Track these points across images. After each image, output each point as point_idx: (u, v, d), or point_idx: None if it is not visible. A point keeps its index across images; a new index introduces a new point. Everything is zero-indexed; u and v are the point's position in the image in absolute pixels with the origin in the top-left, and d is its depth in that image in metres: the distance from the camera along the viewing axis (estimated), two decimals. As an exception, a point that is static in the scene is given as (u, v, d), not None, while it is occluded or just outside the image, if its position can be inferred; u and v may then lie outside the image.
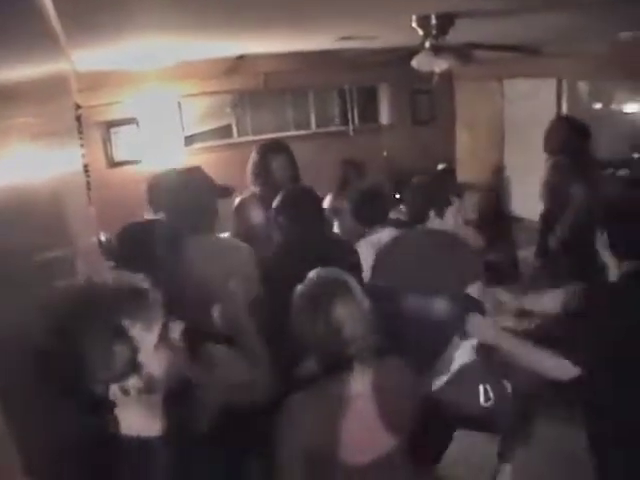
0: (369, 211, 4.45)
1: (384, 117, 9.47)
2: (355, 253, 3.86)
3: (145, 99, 7.08)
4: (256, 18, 3.78)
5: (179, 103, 7.54)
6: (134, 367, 1.60)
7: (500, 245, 6.50)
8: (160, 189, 3.69)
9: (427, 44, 4.37)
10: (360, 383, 2.32)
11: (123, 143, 7.06)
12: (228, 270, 3.09)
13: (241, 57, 6.63)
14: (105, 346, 1.56)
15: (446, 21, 4.14)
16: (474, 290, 3.22)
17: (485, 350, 3.21)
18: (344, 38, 5.14)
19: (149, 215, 3.95)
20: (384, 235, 4.19)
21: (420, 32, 4.23)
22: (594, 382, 2.70)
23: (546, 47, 6.88)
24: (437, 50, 4.45)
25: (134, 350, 1.59)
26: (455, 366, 3.25)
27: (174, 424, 1.77)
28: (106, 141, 6.98)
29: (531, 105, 8.24)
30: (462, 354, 3.24)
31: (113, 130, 7.01)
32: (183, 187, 3.58)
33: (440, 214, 3.86)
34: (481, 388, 3.19)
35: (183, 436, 1.77)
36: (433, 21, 4.12)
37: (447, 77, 8.80)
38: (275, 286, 2.82)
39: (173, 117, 7.49)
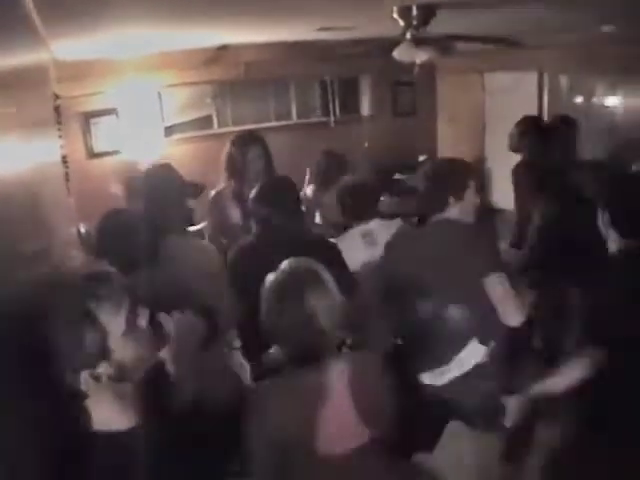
0: (356, 206, 4.35)
1: (365, 108, 9.46)
2: (333, 249, 3.83)
3: (125, 89, 7.02)
4: (236, 8, 3.75)
5: (159, 93, 7.50)
6: (104, 352, 1.60)
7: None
8: (133, 188, 3.66)
9: (408, 35, 4.36)
10: (331, 376, 2.30)
11: (103, 134, 7.00)
12: (196, 272, 3.09)
13: (222, 47, 6.59)
14: (74, 330, 1.56)
15: (427, 12, 4.13)
16: (495, 280, 3.23)
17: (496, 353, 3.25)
18: (323, 29, 5.12)
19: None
20: (371, 226, 4.21)
21: (401, 23, 4.21)
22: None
23: (527, 40, 6.88)
24: (418, 41, 4.44)
25: (103, 335, 1.59)
26: (465, 365, 3.29)
27: (147, 414, 1.76)
28: (85, 132, 6.93)
29: (512, 98, 8.26)
30: (473, 354, 3.27)
31: (93, 121, 6.95)
32: (151, 187, 3.54)
33: (460, 198, 3.57)
34: (487, 388, 3.23)
35: (156, 427, 1.76)
36: (414, 12, 4.10)
37: (429, 69, 8.82)
38: (249, 275, 2.79)
39: (153, 108, 7.44)
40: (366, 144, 8.76)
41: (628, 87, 7.10)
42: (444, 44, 5.02)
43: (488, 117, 8.92)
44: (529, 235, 4.76)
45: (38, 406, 1.60)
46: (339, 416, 2.27)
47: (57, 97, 4.80)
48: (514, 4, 4.02)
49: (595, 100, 7.55)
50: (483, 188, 8.80)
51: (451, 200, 3.52)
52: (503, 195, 8.19)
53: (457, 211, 3.53)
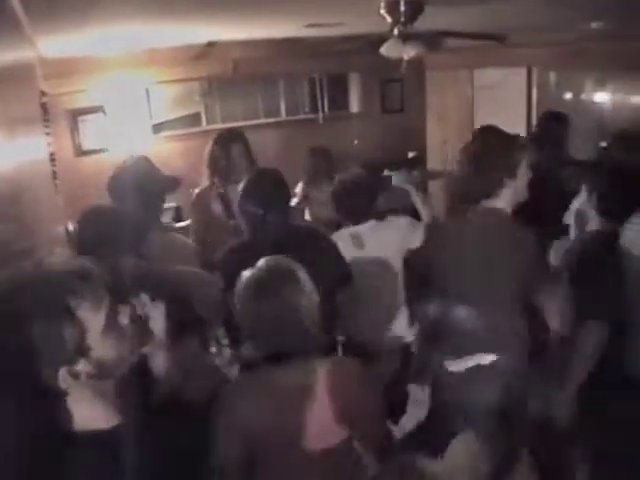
0: (352, 204, 4.21)
1: (354, 105, 9.47)
2: (326, 239, 3.79)
3: (113, 86, 6.99)
4: (224, 4, 3.74)
5: (147, 90, 7.47)
6: (82, 349, 1.59)
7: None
8: (112, 182, 3.62)
9: (396, 31, 4.35)
10: (305, 376, 2.29)
11: (91, 131, 6.96)
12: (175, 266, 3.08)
13: (211, 44, 6.57)
14: (53, 327, 1.55)
15: (415, 8, 4.11)
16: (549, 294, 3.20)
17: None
18: (312, 25, 5.11)
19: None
20: (362, 228, 4.13)
21: (388, 19, 4.20)
22: None
23: (516, 36, 6.89)
24: (406, 37, 4.43)
25: (82, 331, 1.58)
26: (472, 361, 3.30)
27: (129, 412, 1.75)
28: (73, 129, 6.89)
29: (501, 94, 8.28)
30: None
31: (80, 118, 6.91)
32: (129, 179, 3.52)
33: (514, 176, 3.21)
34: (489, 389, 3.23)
35: (139, 425, 1.75)
36: (402, 8, 4.08)
37: (417, 66, 8.83)
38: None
39: (141, 105, 7.41)
40: (355, 141, 8.76)
41: (617, 83, 7.13)
42: (432, 40, 5.02)
43: (477, 113, 8.93)
44: None
45: (17, 405, 1.59)
46: (316, 415, 2.25)
47: (44, 94, 4.78)
48: (502, 0, 4.02)
49: (584, 96, 7.57)
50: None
51: (507, 182, 3.19)
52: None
53: (511, 192, 3.23)
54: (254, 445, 2.25)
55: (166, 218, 5.52)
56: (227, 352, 3.61)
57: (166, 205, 6.39)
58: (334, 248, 3.68)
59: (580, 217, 3.37)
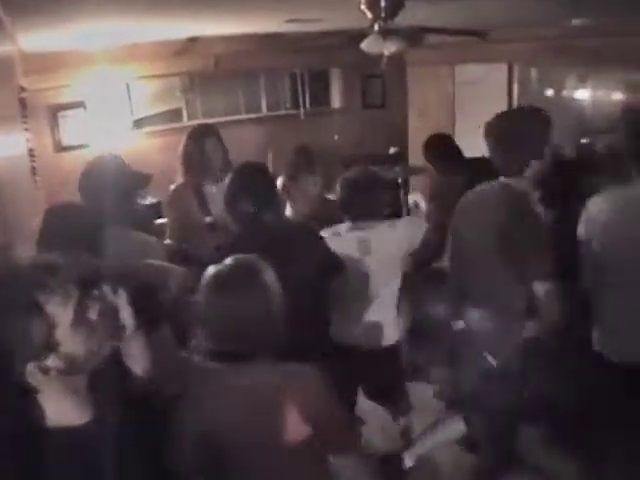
0: (363, 205, 3.81)
1: (335, 101, 9.48)
2: (313, 233, 3.68)
3: (93, 82, 6.95)
4: (205, 0, 3.73)
5: (128, 86, 7.44)
6: (51, 344, 1.58)
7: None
8: (82, 179, 3.58)
9: (376, 27, 4.35)
10: (261, 377, 2.25)
11: (71, 127, 6.93)
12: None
13: (192, 39, 6.55)
14: (20, 322, 1.54)
15: (395, 3, 4.12)
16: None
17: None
18: (292, 20, 5.11)
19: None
20: (374, 234, 3.81)
21: (369, 15, 4.20)
22: None
23: (497, 32, 6.92)
24: (386, 33, 4.43)
25: (50, 326, 1.57)
26: None
27: (103, 408, 1.75)
28: (53, 125, 6.85)
29: (482, 90, 8.30)
30: None
31: (60, 114, 6.88)
32: (98, 177, 3.49)
33: (541, 157, 3.19)
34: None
35: (113, 420, 1.74)
36: (382, 3, 4.09)
37: (399, 61, 8.84)
38: None
39: (122, 100, 7.39)
40: (336, 136, 8.76)
41: (598, 79, 7.16)
42: (413, 36, 5.02)
43: (458, 109, 8.96)
44: None
45: None
46: (273, 416, 2.23)
47: (23, 90, 4.75)
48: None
49: (565, 92, 7.61)
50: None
51: (531, 161, 3.18)
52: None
53: (533, 172, 3.21)
54: (215, 443, 2.23)
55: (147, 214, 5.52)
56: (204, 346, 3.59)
57: (147, 201, 6.45)
58: (323, 242, 3.60)
59: None
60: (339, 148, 8.56)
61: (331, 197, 4.60)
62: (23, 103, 4.61)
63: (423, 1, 4.12)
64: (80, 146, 6.88)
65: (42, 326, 1.56)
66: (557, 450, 3.92)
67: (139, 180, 3.66)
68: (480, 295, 3.32)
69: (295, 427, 2.21)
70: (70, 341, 1.61)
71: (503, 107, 8.14)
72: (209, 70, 7.90)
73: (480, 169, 3.69)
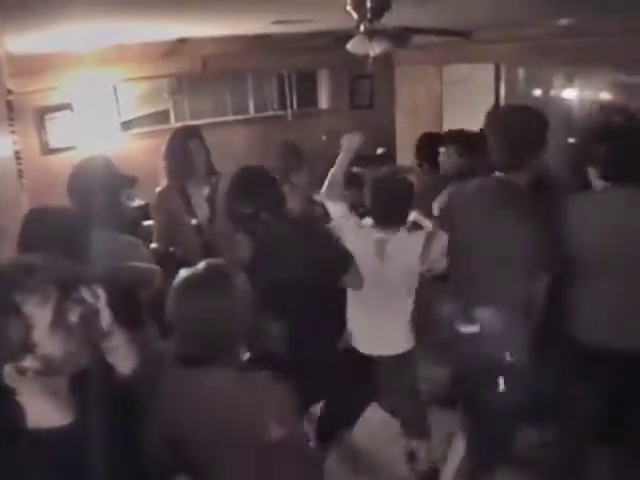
0: (391, 208, 3.76)
1: (323, 102, 9.50)
2: (322, 228, 3.72)
3: (80, 84, 6.95)
4: (192, 1, 3.72)
5: (115, 87, 7.43)
6: (28, 345, 1.57)
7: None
8: (70, 180, 3.56)
9: (362, 28, 4.35)
10: (223, 383, 2.23)
11: (58, 129, 6.92)
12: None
13: (180, 41, 6.55)
14: None
15: (381, 4, 4.11)
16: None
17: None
18: (279, 21, 5.11)
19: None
20: (394, 240, 3.75)
21: (355, 15, 4.20)
22: None
23: (484, 32, 6.94)
24: (372, 34, 4.43)
25: (28, 327, 1.57)
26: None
27: (85, 409, 1.75)
28: (40, 128, 6.84)
29: (469, 90, 8.31)
30: None
31: (48, 116, 6.86)
32: (85, 178, 3.48)
33: (537, 157, 3.24)
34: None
35: (93, 422, 1.74)
36: (368, 4, 4.08)
37: (386, 62, 8.86)
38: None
39: (109, 102, 7.39)
40: (324, 137, 8.77)
41: (585, 79, 7.18)
42: (399, 37, 5.02)
43: (446, 109, 8.96)
44: None
45: None
46: (231, 416, 2.22)
47: (10, 92, 4.73)
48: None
49: (552, 92, 7.62)
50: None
51: (528, 161, 3.23)
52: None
53: (529, 171, 3.27)
54: (186, 443, 2.23)
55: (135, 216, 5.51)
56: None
57: (135, 203, 6.45)
58: (330, 235, 3.60)
59: None
60: (327, 149, 8.56)
61: (317, 197, 4.61)
62: (10, 105, 4.58)
63: (409, 2, 4.13)
64: (67, 148, 6.87)
65: (19, 327, 1.55)
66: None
67: (126, 181, 3.65)
68: (489, 293, 3.31)
69: (260, 431, 2.20)
70: (48, 342, 1.61)
71: (490, 107, 8.18)
72: (196, 71, 7.90)
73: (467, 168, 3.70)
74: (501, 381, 3.24)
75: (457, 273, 3.51)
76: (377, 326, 3.83)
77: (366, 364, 3.83)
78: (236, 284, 2.28)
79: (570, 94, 7.39)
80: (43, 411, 1.66)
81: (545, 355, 3.29)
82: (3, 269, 1.63)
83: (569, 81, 7.37)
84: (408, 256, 3.67)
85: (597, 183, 3.30)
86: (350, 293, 3.81)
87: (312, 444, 3.65)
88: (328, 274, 3.37)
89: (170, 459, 2.18)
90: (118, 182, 3.58)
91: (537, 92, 7.83)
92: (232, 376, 2.25)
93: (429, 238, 3.59)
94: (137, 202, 6.57)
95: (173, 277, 2.30)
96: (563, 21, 6.03)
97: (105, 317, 1.84)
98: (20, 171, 4.51)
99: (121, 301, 1.92)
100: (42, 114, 6.81)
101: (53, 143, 6.90)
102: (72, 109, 6.99)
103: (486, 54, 7.86)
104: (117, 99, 7.51)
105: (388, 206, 3.74)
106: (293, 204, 5.83)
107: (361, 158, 7.91)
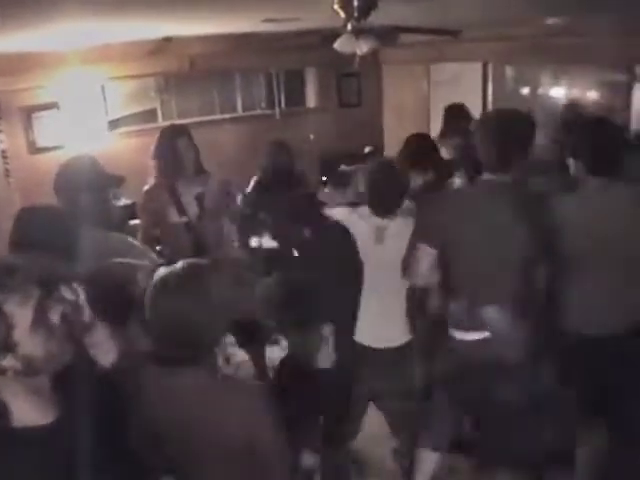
0: (388, 195, 3.77)
1: (311, 100, 9.50)
2: (349, 234, 3.70)
3: (67, 83, 6.93)
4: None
5: (102, 86, 7.41)
6: (9, 344, 1.57)
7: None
8: (56, 179, 3.55)
9: (349, 26, 4.36)
10: (196, 382, 2.22)
11: (46, 129, 6.89)
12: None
13: (167, 39, 6.53)
14: None
15: (368, 3, 4.12)
16: None
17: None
18: (267, 20, 5.11)
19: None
20: (392, 225, 3.76)
21: (342, 14, 4.20)
22: None
23: (472, 31, 6.95)
24: (359, 32, 4.43)
25: (8, 326, 1.56)
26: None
27: (65, 408, 1.74)
28: (27, 127, 6.80)
29: (457, 89, 8.33)
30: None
31: (34, 115, 6.83)
32: (71, 177, 3.46)
33: (525, 157, 3.30)
34: None
35: (76, 421, 1.74)
36: (355, 3, 4.09)
37: (374, 60, 8.87)
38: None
39: (96, 101, 7.37)
40: (312, 136, 8.77)
41: (572, 78, 7.21)
42: (386, 35, 5.02)
43: (433, 107, 8.96)
44: None
45: None
46: (206, 419, 2.22)
47: (-4, 91, 4.73)
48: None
49: (540, 91, 7.65)
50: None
51: (516, 161, 3.27)
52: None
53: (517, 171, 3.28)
54: (164, 442, 2.23)
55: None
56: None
57: (121, 202, 6.43)
58: (354, 243, 3.65)
59: None
60: (315, 147, 8.58)
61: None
62: (-4, 105, 4.58)
63: (396, 0, 4.13)
64: (55, 147, 6.85)
65: (0, 326, 1.55)
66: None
67: (112, 180, 3.64)
68: (493, 295, 3.30)
69: (234, 435, 2.19)
70: (29, 342, 1.60)
71: (478, 106, 8.20)
72: (184, 70, 7.89)
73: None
74: (505, 379, 3.27)
75: (457, 280, 3.47)
76: (379, 313, 3.82)
77: (366, 361, 3.81)
78: (213, 284, 2.26)
79: (557, 92, 7.42)
80: (25, 410, 1.66)
81: (544, 351, 3.31)
82: None
83: (556, 80, 7.40)
84: (406, 239, 3.67)
85: (581, 177, 3.38)
86: None
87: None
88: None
89: (154, 458, 2.17)
90: (104, 181, 3.56)
91: (524, 90, 7.86)
92: (206, 378, 2.25)
93: (415, 255, 3.58)
94: (123, 201, 6.55)
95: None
96: (550, 20, 6.05)
97: (85, 313, 1.83)
98: (7, 170, 4.51)
99: (113, 297, 1.92)
100: (29, 113, 6.78)
101: (40, 142, 6.87)
102: (59, 108, 6.97)
103: (474, 53, 7.89)
104: (104, 98, 7.50)
105: (385, 194, 3.75)
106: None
107: (349, 156, 7.95)
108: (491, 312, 3.26)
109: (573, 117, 6.05)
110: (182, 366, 2.20)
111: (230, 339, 4.97)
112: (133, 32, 5.70)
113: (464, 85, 8.32)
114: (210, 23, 5.44)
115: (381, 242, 3.74)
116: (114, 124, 7.70)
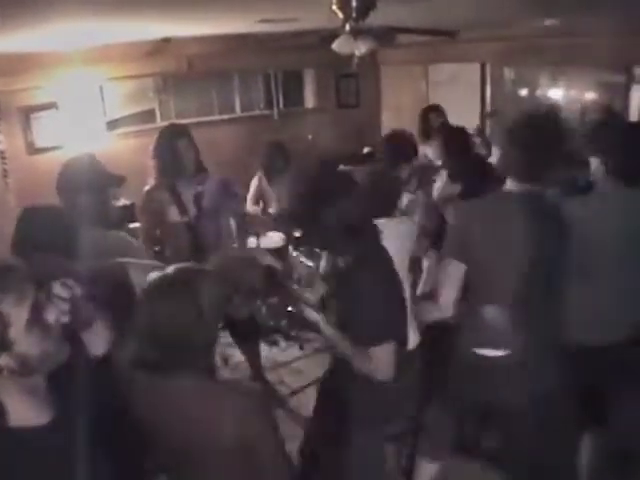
0: (383, 200, 3.76)
1: (309, 101, 9.50)
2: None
3: (66, 83, 6.92)
4: (178, 0, 3.72)
5: (101, 87, 7.41)
6: (5, 343, 1.57)
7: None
8: (59, 179, 3.55)
9: (347, 27, 4.36)
10: (182, 387, 2.20)
11: (44, 129, 6.88)
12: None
13: (165, 40, 6.53)
14: None
15: (367, 4, 4.12)
16: None
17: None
18: (265, 20, 5.11)
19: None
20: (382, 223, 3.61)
21: (340, 15, 4.20)
22: None
23: (470, 32, 6.96)
24: (357, 33, 4.44)
25: (4, 325, 1.57)
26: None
27: (60, 410, 1.75)
28: (25, 127, 6.79)
29: (455, 90, 8.34)
30: None
31: (33, 116, 6.81)
32: (73, 175, 3.46)
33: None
34: None
35: (72, 421, 1.74)
36: (354, 3, 4.09)
37: (372, 61, 8.88)
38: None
39: (95, 101, 7.36)
40: (309, 136, 8.78)
41: (570, 79, 7.22)
42: (384, 36, 5.03)
43: (431, 108, 8.98)
44: None
45: None
46: (194, 424, 2.22)
47: (-5, 92, 4.73)
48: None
49: (538, 91, 7.66)
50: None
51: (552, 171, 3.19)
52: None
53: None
54: (157, 443, 2.23)
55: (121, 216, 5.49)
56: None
57: (120, 203, 6.43)
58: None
59: None
60: (313, 148, 8.58)
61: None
62: (-6, 105, 4.58)
63: (395, 1, 4.13)
64: (53, 148, 6.83)
65: None
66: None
67: (113, 180, 3.64)
68: (530, 321, 3.16)
69: (228, 437, 2.18)
70: (24, 341, 1.60)
71: (476, 106, 8.21)
72: (182, 71, 7.89)
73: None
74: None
75: (481, 296, 3.26)
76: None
77: None
78: (203, 289, 2.23)
79: (556, 93, 7.43)
80: (21, 410, 1.66)
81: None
82: None
83: (555, 80, 7.41)
84: (401, 241, 3.68)
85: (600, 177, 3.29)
86: None
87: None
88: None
89: (149, 458, 2.18)
90: (106, 181, 3.57)
91: (523, 91, 7.87)
92: (198, 380, 2.23)
93: (439, 271, 3.36)
94: (122, 202, 6.54)
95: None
96: (548, 21, 6.05)
97: (84, 310, 1.84)
98: (5, 171, 4.50)
99: (113, 296, 1.93)
100: (27, 113, 6.76)
101: (39, 143, 6.85)
102: (58, 108, 6.96)
103: (472, 54, 7.89)
104: (103, 98, 7.49)
105: (382, 198, 3.75)
106: (279, 203, 5.84)
107: (347, 157, 7.95)
108: (517, 329, 3.14)
109: (605, 118, 6.01)
110: (175, 369, 2.18)
111: (229, 339, 4.97)
112: (131, 33, 5.70)
113: (462, 86, 8.33)
114: (209, 24, 5.44)
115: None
116: (112, 124, 7.69)
